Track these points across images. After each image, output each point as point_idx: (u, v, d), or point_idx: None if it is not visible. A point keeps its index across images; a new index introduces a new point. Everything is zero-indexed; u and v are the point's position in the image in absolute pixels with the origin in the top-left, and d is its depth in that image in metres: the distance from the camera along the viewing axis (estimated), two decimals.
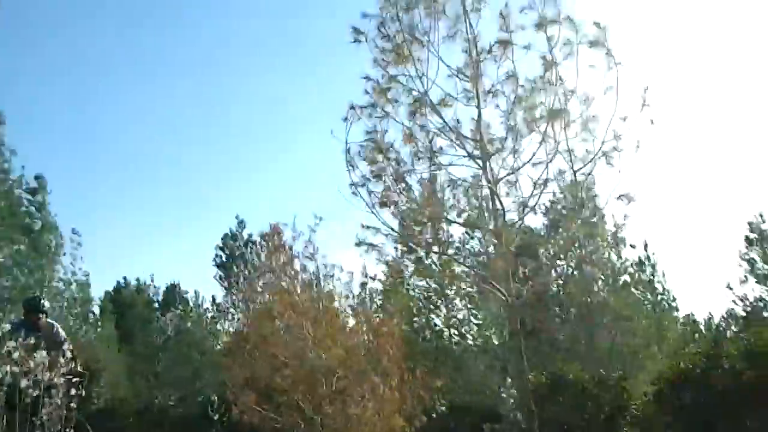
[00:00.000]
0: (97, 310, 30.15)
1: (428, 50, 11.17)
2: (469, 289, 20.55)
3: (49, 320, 7.55)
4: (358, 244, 11.20)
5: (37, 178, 24.43)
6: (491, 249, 11.40)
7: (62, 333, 7.27)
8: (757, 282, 21.46)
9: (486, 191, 10.84)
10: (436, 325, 21.66)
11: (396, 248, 11.83)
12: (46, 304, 8.00)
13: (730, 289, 22.11)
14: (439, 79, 11.09)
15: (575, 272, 20.15)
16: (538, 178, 10.36)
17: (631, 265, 21.81)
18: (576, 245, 19.30)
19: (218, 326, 28.48)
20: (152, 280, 32.26)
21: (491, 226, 10.84)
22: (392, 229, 11.02)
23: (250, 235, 29.02)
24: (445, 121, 10.93)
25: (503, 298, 10.57)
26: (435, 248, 11.33)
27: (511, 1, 10.80)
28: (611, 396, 13.64)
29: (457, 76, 11.15)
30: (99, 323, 29.20)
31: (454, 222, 11.30)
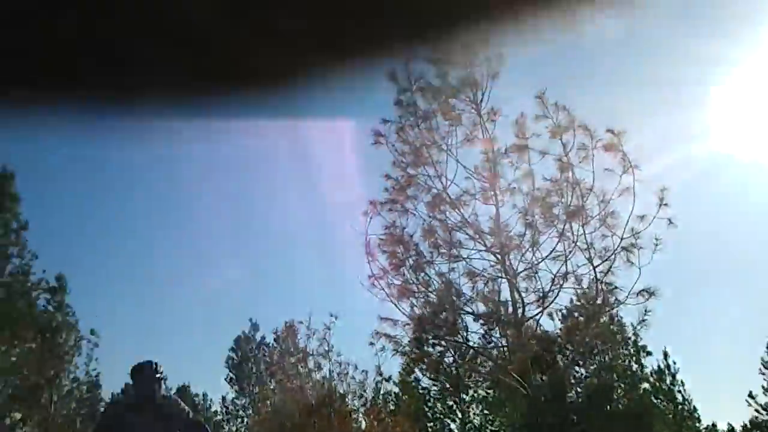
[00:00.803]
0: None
1: (446, 153, 11.66)
2: (485, 393, 20.19)
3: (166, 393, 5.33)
4: (375, 334, 11.28)
5: (57, 279, 24.94)
6: (510, 342, 11.40)
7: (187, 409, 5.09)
8: None
9: (504, 284, 10.97)
10: (451, 430, 21.14)
11: (412, 339, 11.79)
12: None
13: (753, 397, 21.55)
14: (458, 179, 11.52)
15: (594, 380, 19.80)
16: (557, 272, 10.49)
17: (651, 373, 21.49)
18: (594, 352, 19.11)
19: (227, 429, 27.91)
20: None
21: (511, 319, 10.89)
22: (410, 318, 11.09)
23: (263, 338, 29.01)
24: (463, 216, 11.24)
25: (523, 391, 10.47)
26: (453, 338, 11.31)
27: (526, 109, 11.31)
28: None
29: (475, 177, 11.56)
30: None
31: (472, 314, 11.36)
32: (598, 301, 10.69)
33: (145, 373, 4.62)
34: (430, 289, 11.23)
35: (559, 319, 16.66)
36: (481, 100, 11.63)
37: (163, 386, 4.91)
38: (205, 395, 31.75)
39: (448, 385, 20.61)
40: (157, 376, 4.65)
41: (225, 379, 29.05)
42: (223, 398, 28.87)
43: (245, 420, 27.04)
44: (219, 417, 29.16)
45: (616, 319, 17.83)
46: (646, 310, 10.26)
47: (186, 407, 5.05)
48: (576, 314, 13.65)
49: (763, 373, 21.31)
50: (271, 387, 20.81)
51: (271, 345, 23.15)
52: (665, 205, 10.13)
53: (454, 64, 11.88)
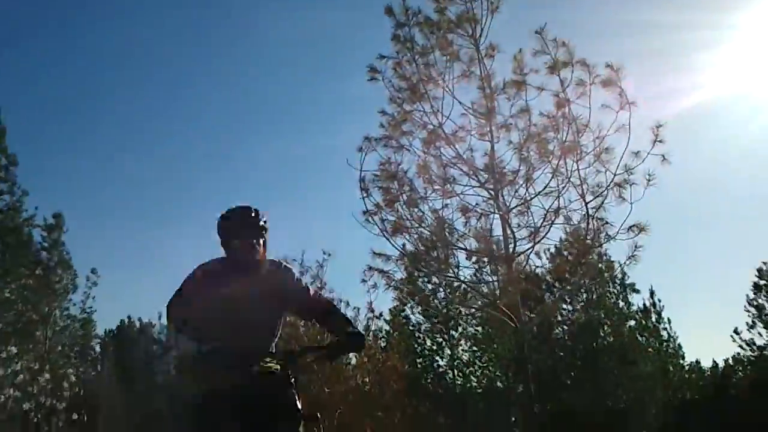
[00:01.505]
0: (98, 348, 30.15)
1: (443, 89, 11.62)
2: (474, 330, 20.65)
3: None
4: (369, 269, 11.44)
5: (55, 216, 24.94)
6: (501, 278, 11.60)
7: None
8: (764, 327, 21.48)
9: (497, 221, 11.09)
10: (440, 366, 21.67)
11: (406, 275, 11.98)
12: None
13: (738, 333, 22.15)
14: (454, 115, 11.50)
15: (581, 316, 20.26)
16: (549, 207, 10.61)
17: (637, 311, 22.00)
18: (582, 289, 19.51)
19: None
20: (159, 318, 32.23)
21: (502, 255, 11.06)
22: (403, 253, 11.24)
23: None
24: (459, 153, 11.29)
25: (512, 324, 10.72)
26: (445, 274, 11.50)
27: (525, 45, 11.22)
28: (619, 426, 13.59)
29: (470, 113, 11.55)
30: (99, 361, 29.20)
31: (465, 249, 11.52)
32: (589, 237, 10.83)
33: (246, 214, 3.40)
34: (423, 225, 11.35)
35: (548, 258, 17.00)
36: (480, 36, 11.54)
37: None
38: None
39: (437, 322, 21.07)
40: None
41: None
42: None
43: None
44: None
45: (604, 257, 18.20)
46: (636, 246, 10.40)
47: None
48: (566, 253, 13.89)
49: (748, 310, 21.87)
50: None
51: None
52: (660, 141, 10.19)
53: None
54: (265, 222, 3.41)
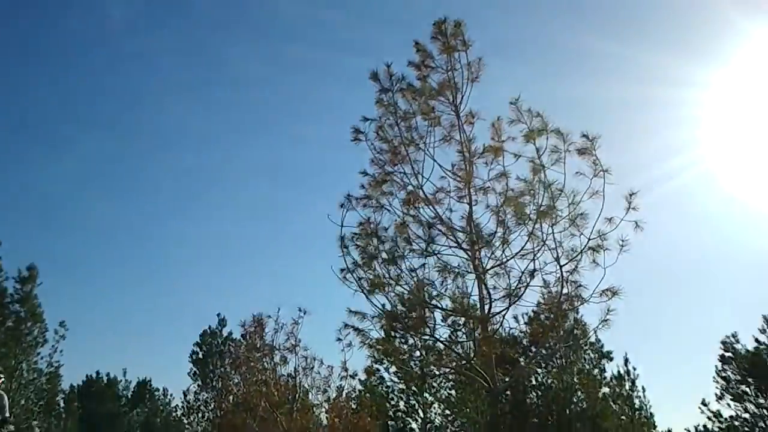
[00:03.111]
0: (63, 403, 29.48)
1: (424, 152, 11.95)
2: (447, 393, 20.50)
3: None
4: (345, 327, 11.51)
5: (29, 268, 24.77)
6: (476, 338, 11.69)
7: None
8: (732, 399, 21.68)
9: (474, 281, 11.26)
10: (412, 429, 21.43)
11: (382, 333, 12.04)
12: None
13: (706, 405, 22.31)
14: (433, 177, 11.79)
15: (555, 382, 20.25)
16: (525, 269, 10.83)
17: (611, 378, 22.08)
18: (557, 355, 19.58)
19: (188, 424, 27.79)
20: (124, 375, 31.84)
21: (478, 315, 11.20)
22: (381, 310, 11.33)
23: (230, 333, 29.03)
24: (437, 213, 11.54)
25: (486, 385, 10.78)
26: (423, 333, 11.57)
27: (503, 113, 11.64)
28: None
29: (450, 176, 11.86)
30: (63, 416, 28.50)
31: (441, 309, 11.64)
32: (564, 300, 11.02)
33: None
34: (401, 283, 11.48)
35: (525, 322, 17.16)
36: (460, 103, 11.97)
37: None
38: (165, 390, 31.63)
39: (412, 385, 20.91)
40: None
41: (188, 374, 29.03)
42: (185, 392, 28.85)
43: (207, 415, 26.98)
44: (180, 412, 29.05)
45: (580, 323, 18.38)
46: (608, 310, 10.62)
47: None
48: (542, 317, 14.05)
49: (717, 381, 22.10)
50: (235, 381, 20.88)
51: (237, 340, 23.21)
52: (633, 209, 10.52)
53: (435, 67, 12.25)
54: None
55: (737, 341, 22.61)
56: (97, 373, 31.81)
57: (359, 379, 20.01)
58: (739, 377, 21.96)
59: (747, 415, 22.01)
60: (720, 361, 22.37)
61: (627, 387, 22.31)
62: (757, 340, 22.68)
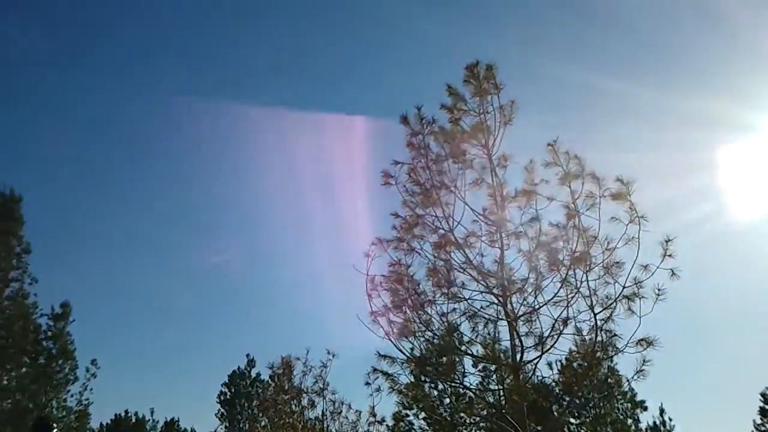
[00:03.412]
0: None
1: (455, 195, 11.87)
2: None
3: None
4: (374, 371, 11.34)
5: (62, 305, 25.10)
6: (507, 386, 11.41)
7: None
8: None
9: (504, 328, 11.04)
10: None
11: (412, 378, 11.81)
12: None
13: None
14: (465, 221, 11.68)
15: None
16: (558, 316, 10.58)
17: (646, 429, 21.39)
18: (591, 404, 19.03)
19: None
20: (152, 414, 31.80)
21: (509, 363, 10.94)
22: (409, 356, 11.14)
23: (258, 374, 28.90)
24: (468, 258, 11.38)
25: None
26: (452, 379, 11.32)
27: (536, 156, 11.53)
28: None
29: (481, 220, 11.73)
30: None
31: (472, 355, 11.41)
32: (597, 349, 10.72)
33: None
34: (430, 328, 11.30)
35: (558, 370, 16.71)
36: (492, 146, 11.91)
37: None
38: (193, 430, 31.50)
39: (441, 430, 20.46)
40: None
41: (216, 415, 28.89)
42: None
43: None
44: None
45: (614, 372, 17.89)
46: (644, 360, 10.29)
47: None
48: (575, 365, 13.68)
49: None
50: (263, 424, 20.68)
51: (266, 381, 23.07)
52: (669, 256, 10.25)
53: (467, 110, 12.24)
54: None
55: None
56: (126, 412, 31.85)
57: (387, 425, 19.68)
58: None
59: None
60: (760, 414, 21.55)
61: None
62: None
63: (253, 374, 29.76)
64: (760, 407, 21.73)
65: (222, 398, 29.42)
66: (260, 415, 21.01)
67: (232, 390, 29.44)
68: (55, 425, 6.04)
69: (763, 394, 21.79)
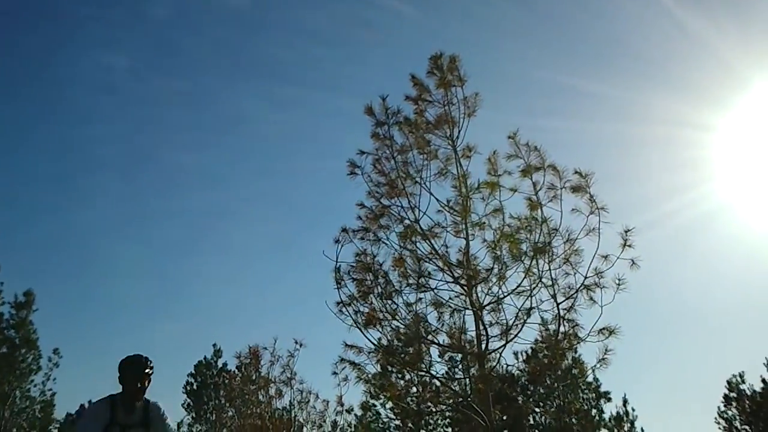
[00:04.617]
0: None
1: (420, 186, 11.91)
2: (444, 431, 20.18)
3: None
4: (341, 361, 11.36)
5: (26, 294, 24.66)
6: (473, 375, 11.52)
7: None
8: None
9: (470, 317, 11.15)
10: None
11: (379, 368, 11.86)
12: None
13: None
14: (430, 211, 11.74)
15: (552, 422, 19.92)
16: (522, 306, 10.71)
17: (610, 419, 21.73)
18: (555, 394, 19.31)
19: None
20: None
21: (475, 352, 11.05)
22: (376, 345, 11.20)
23: (225, 364, 28.74)
24: (434, 248, 11.44)
25: (483, 423, 10.58)
26: (419, 369, 11.39)
27: (499, 148, 11.64)
28: None
29: (446, 210, 11.80)
30: None
31: (438, 345, 11.49)
32: (561, 339, 10.87)
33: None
34: (397, 318, 11.36)
35: (523, 359, 16.90)
36: (457, 137, 11.98)
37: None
38: None
39: (408, 422, 20.60)
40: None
41: (182, 405, 28.66)
42: (179, 424, 28.42)
43: None
44: None
45: (578, 362, 18.12)
46: (606, 349, 10.47)
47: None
48: (539, 355, 13.86)
49: (718, 423, 21.70)
50: (230, 414, 20.61)
51: (233, 371, 22.97)
52: (629, 246, 10.42)
53: (432, 101, 12.28)
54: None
55: (743, 381, 22.25)
56: (90, 402, 31.51)
57: (355, 415, 19.75)
58: (743, 418, 21.56)
59: None
60: (724, 401, 22.00)
61: (626, 428, 21.94)
62: (764, 381, 22.30)
63: (220, 364, 29.58)
64: (725, 395, 22.14)
65: (188, 389, 29.20)
66: (227, 405, 20.92)
67: (199, 380, 29.22)
68: (150, 360, 4.85)
69: (729, 382, 22.22)
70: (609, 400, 21.58)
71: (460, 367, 14.09)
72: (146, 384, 4.82)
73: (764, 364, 22.12)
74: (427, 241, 11.52)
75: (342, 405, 17.76)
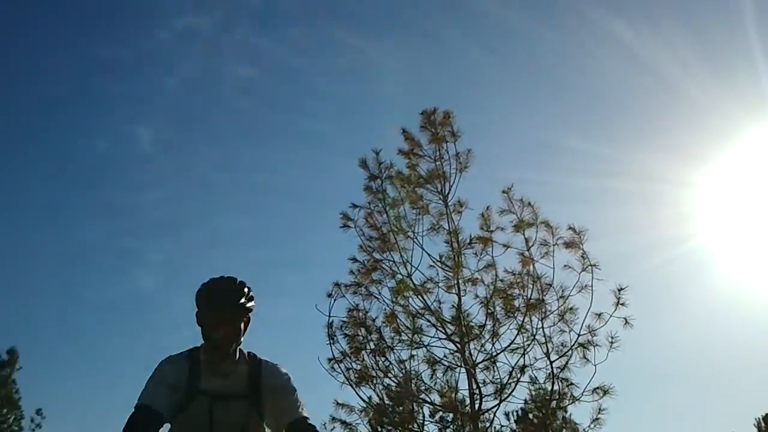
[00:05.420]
0: None
1: (413, 240, 11.90)
2: None
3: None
4: (332, 420, 11.20)
5: (9, 351, 24.17)
6: None
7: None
8: None
9: (463, 375, 11.04)
10: None
11: (369, 428, 11.65)
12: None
13: None
14: (422, 266, 11.72)
15: None
16: (515, 364, 10.65)
17: None
18: None
19: None
20: None
21: (468, 411, 10.92)
22: (368, 404, 11.05)
23: None
24: (426, 304, 11.40)
25: None
26: (410, 427, 11.22)
27: (493, 202, 11.70)
28: None
29: (439, 266, 11.78)
30: None
31: (430, 403, 11.35)
32: (554, 398, 10.79)
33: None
34: (389, 375, 11.24)
35: (515, 420, 16.65)
36: (449, 192, 12.04)
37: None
38: None
39: None
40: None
41: None
42: None
43: None
44: None
45: (570, 422, 17.83)
46: (600, 409, 10.40)
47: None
48: (530, 415, 13.68)
49: None
50: None
51: None
52: (622, 304, 10.45)
53: (423, 156, 12.37)
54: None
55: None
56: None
57: None
58: None
59: None
60: None
61: None
62: None
63: None
64: None
65: None
66: None
67: None
68: (249, 289, 2.91)
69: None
70: None
71: (452, 427, 13.83)
72: (245, 328, 2.93)
73: (754, 425, 22.09)
74: (419, 296, 11.48)
75: None
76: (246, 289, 2.92)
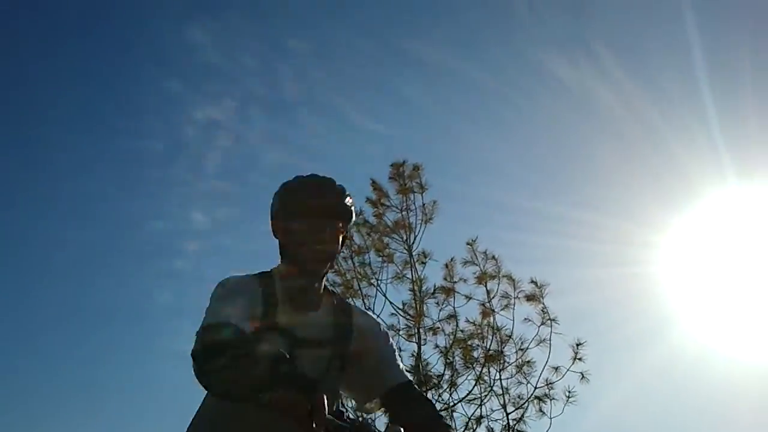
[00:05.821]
0: None
1: (376, 289, 12.01)
2: None
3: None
4: None
5: None
6: None
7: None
8: None
9: None
10: None
11: None
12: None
13: None
14: (384, 314, 11.77)
15: None
16: (472, 415, 10.66)
17: None
18: None
19: None
20: None
21: None
22: None
23: None
24: None
25: None
26: None
27: (456, 254, 11.90)
28: None
29: (400, 314, 11.87)
30: None
31: None
32: None
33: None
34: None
35: None
36: (413, 243, 12.21)
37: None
38: None
39: None
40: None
41: None
42: None
43: None
44: None
45: None
46: None
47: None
48: None
49: None
50: None
51: None
52: (579, 359, 10.59)
53: (390, 206, 12.58)
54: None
55: None
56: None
57: None
58: None
59: None
60: None
61: None
62: None
63: None
64: None
65: None
66: None
67: None
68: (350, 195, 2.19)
69: None
70: None
71: None
72: (341, 245, 2.22)
73: None
74: None
75: None
76: (347, 193, 2.18)
